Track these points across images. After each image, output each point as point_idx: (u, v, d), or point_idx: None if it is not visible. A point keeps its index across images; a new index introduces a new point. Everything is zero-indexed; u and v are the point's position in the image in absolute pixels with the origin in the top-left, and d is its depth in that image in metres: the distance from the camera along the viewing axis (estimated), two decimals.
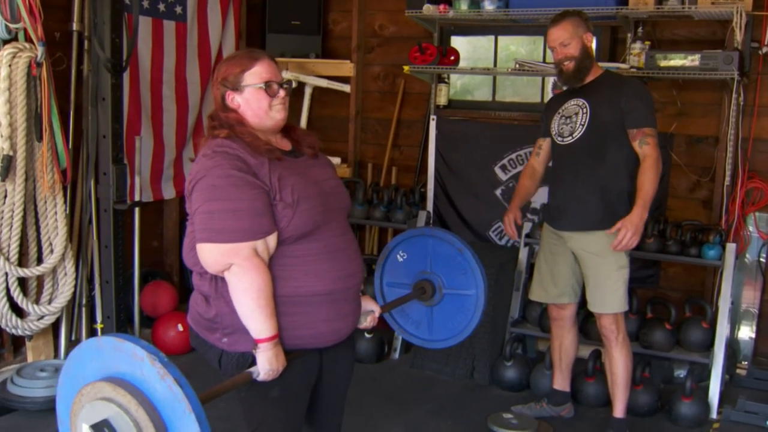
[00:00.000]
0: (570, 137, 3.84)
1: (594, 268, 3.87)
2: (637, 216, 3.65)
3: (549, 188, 4.09)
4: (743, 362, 4.86)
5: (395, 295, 3.18)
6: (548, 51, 5.38)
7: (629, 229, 3.64)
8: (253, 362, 2.36)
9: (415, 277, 3.15)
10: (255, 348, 2.33)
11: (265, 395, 2.45)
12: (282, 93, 2.50)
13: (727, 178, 4.64)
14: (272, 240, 2.34)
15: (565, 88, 4.02)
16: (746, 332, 4.92)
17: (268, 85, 2.47)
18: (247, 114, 2.48)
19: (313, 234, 2.42)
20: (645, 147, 3.70)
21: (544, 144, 4.08)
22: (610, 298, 3.85)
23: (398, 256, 3.20)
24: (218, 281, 2.39)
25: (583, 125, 3.80)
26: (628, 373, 3.95)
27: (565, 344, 4.18)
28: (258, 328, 2.31)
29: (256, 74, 2.47)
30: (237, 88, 2.47)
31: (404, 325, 3.27)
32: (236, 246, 2.28)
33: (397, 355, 5.07)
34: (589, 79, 3.85)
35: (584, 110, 3.81)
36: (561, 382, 4.25)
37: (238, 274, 2.29)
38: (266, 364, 2.33)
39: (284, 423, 2.54)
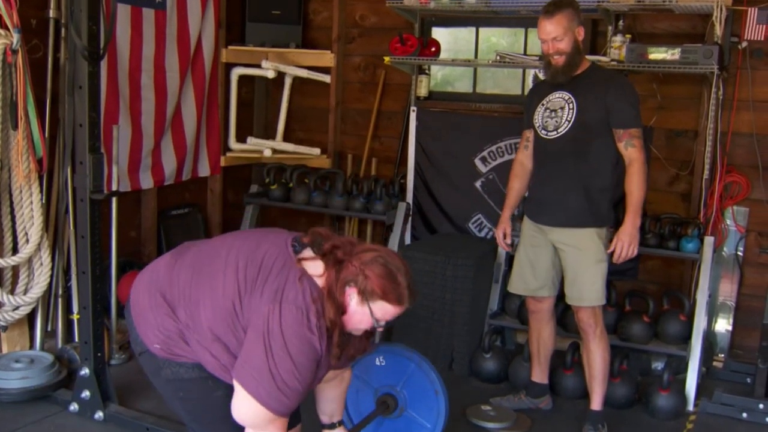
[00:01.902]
0: (555, 132, 3.81)
1: (573, 261, 3.87)
2: (630, 225, 3.70)
3: (530, 182, 4.09)
4: (720, 355, 4.90)
5: (355, 387, 3.22)
6: (529, 43, 5.41)
7: (624, 240, 3.69)
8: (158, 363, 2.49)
9: (383, 387, 3.21)
10: None
11: (210, 394, 2.48)
12: (380, 330, 2.46)
13: (706, 172, 4.66)
14: None
15: (542, 77, 4.00)
16: (723, 325, 4.95)
17: (378, 323, 2.40)
18: (346, 314, 2.37)
19: None
20: (631, 149, 3.70)
21: (531, 136, 4.02)
22: (588, 291, 3.85)
23: (377, 359, 3.23)
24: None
25: (569, 121, 3.77)
26: (605, 366, 3.95)
27: (543, 337, 4.18)
28: None
29: (384, 311, 2.37)
30: (364, 299, 2.34)
31: (352, 414, 3.34)
32: (281, 419, 2.32)
33: None
34: (576, 72, 3.80)
35: (570, 105, 3.78)
36: (539, 374, 4.25)
37: None
38: None
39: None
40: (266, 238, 2.49)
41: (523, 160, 4.10)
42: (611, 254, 3.76)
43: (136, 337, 2.54)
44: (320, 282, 2.35)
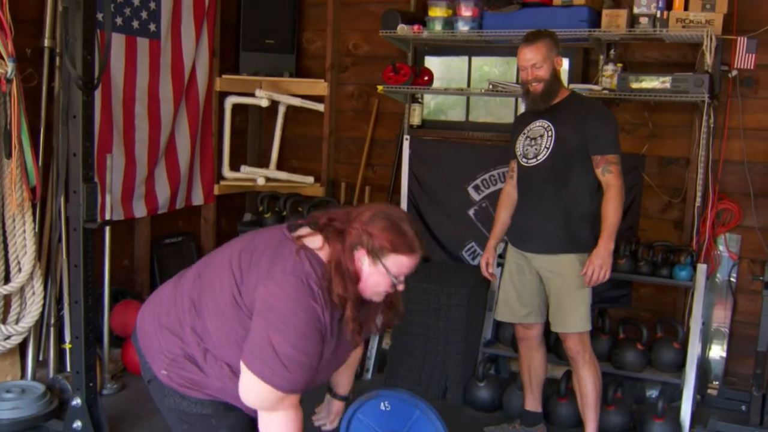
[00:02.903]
0: (534, 159, 3.87)
1: (556, 288, 3.88)
2: (603, 248, 3.71)
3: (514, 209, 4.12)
4: (714, 382, 4.88)
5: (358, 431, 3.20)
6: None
7: (595, 263, 3.71)
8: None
9: None
10: None
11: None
12: (401, 287, 2.35)
13: (698, 199, 4.67)
14: None
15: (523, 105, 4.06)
16: (717, 352, 4.95)
17: (396, 279, 2.30)
18: (361, 281, 2.29)
19: None
20: (608, 175, 3.74)
21: (516, 166, 4.07)
22: (571, 317, 3.86)
23: (383, 404, 3.20)
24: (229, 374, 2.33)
25: (547, 148, 3.82)
26: (597, 393, 3.95)
27: (534, 364, 4.17)
28: None
29: (398, 264, 2.28)
30: (374, 258, 2.25)
31: None
32: (291, 396, 2.22)
33: (369, 375, 5.04)
34: (556, 101, 3.86)
35: (549, 133, 3.83)
36: (532, 402, 4.24)
37: (281, 421, 2.23)
38: None
39: None
40: (261, 231, 2.45)
41: (510, 190, 4.14)
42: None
43: (145, 363, 2.49)
44: (323, 255, 2.27)
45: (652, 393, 4.75)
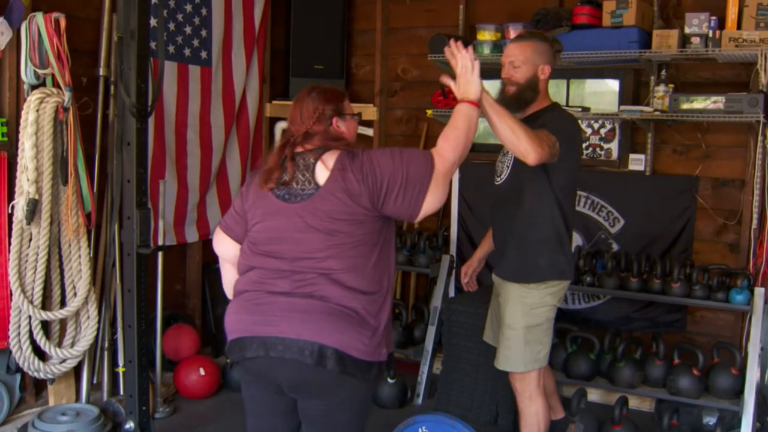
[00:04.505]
0: (499, 178, 3.65)
1: (500, 317, 3.72)
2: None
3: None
4: None
5: None
6: (571, 93, 5.41)
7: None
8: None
9: None
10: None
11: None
12: (357, 118, 2.91)
13: (754, 222, 4.59)
14: None
15: None
16: None
17: (359, 115, 2.91)
18: (351, 132, 2.85)
19: None
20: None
21: None
22: (502, 353, 3.66)
23: (420, 429, 3.31)
24: (387, 295, 2.67)
25: (508, 166, 3.58)
26: None
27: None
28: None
29: (348, 104, 2.86)
30: (342, 115, 2.80)
31: None
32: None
33: (420, 400, 5.01)
34: (530, 111, 3.54)
35: None
36: (552, 413, 4.09)
37: (447, 150, 2.72)
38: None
39: None
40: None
41: None
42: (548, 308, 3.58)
43: (333, 353, 2.50)
44: (335, 147, 2.72)
45: (710, 420, 4.64)
